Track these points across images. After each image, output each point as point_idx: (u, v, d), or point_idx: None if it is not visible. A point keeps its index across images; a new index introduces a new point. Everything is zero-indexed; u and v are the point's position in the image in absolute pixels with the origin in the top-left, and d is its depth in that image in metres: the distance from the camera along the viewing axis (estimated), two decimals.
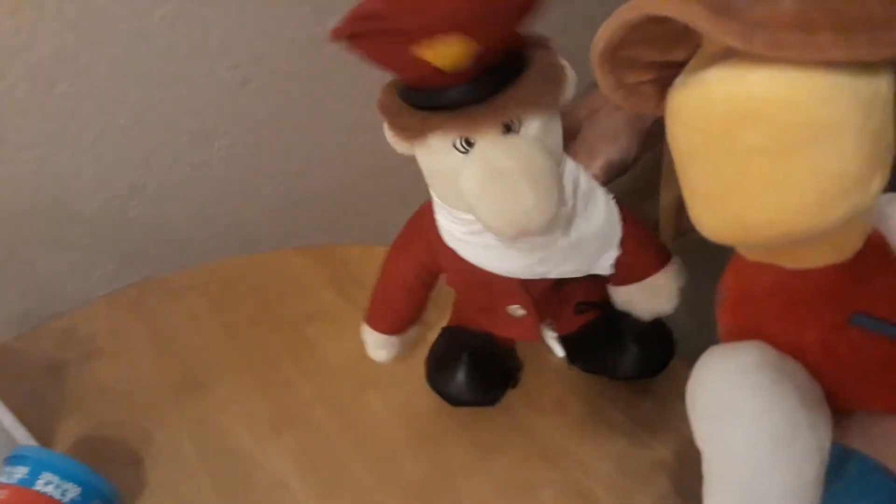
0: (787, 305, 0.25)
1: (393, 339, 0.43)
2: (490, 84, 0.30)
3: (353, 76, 0.60)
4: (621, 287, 0.39)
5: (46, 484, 0.39)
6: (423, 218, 0.38)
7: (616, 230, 0.36)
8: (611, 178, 0.39)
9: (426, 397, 0.45)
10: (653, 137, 0.43)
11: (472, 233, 0.35)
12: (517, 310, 0.40)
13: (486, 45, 0.28)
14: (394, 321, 0.42)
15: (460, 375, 0.42)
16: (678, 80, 0.23)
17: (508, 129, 0.31)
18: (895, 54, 0.19)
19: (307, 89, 0.68)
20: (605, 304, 0.41)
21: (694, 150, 0.23)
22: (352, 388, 0.49)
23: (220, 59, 0.62)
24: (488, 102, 0.30)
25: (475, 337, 0.43)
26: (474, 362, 0.42)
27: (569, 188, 0.34)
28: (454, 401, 0.43)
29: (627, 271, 0.38)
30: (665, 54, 0.24)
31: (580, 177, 0.35)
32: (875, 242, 0.24)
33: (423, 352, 0.45)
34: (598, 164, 0.39)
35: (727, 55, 0.21)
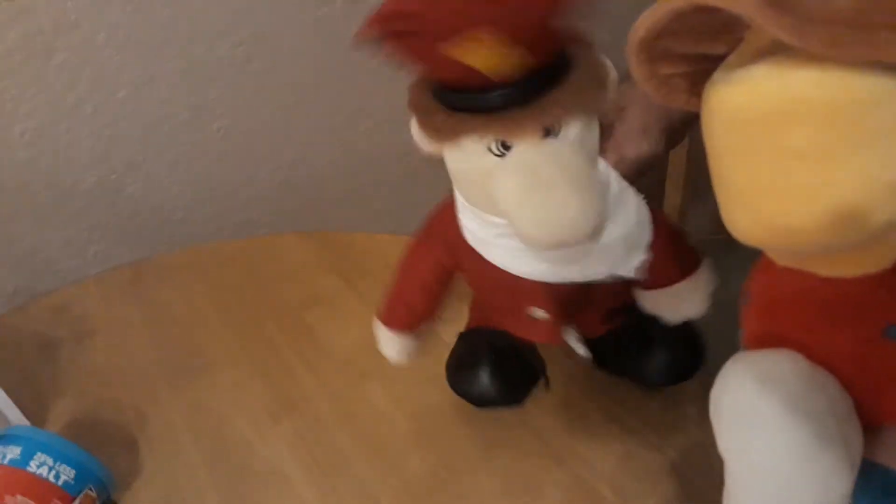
0: (819, 315, 0.24)
1: (405, 338, 0.42)
2: (532, 86, 0.28)
3: (358, 61, 0.59)
4: (649, 291, 0.38)
5: (40, 465, 0.38)
6: (444, 215, 0.37)
7: (646, 233, 0.35)
8: (638, 176, 0.38)
9: (428, 391, 0.44)
10: (677, 134, 0.42)
11: (500, 235, 0.33)
12: (539, 312, 0.38)
13: (525, 44, 0.26)
14: (408, 319, 0.41)
15: (484, 375, 0.41)
16: (717, 75, 0.22)
17: (548, 132, 0.29)
18: None
19: (310, 71, 0.66)
20: (633, 309, 0.40)
21: (732, 148, 0.22)
22: (353, 379, 0.48)
23: (223, 37, 0.60)
24: (530, 105, 0.28)
25: (497, 336, 0.42)
26: (498, 361, 0.41)
27: (606, 180, 0.33)
28: (479, 401, 0.42)
29: (656, 275, 0.36)
30: (704, 47, 0.23)
31: (611, 178, 0.33)
32: None
33: (428, 346, 0.45)
34: (627, 162, 0.38)
35: (773, 51, 0.20)
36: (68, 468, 0.38)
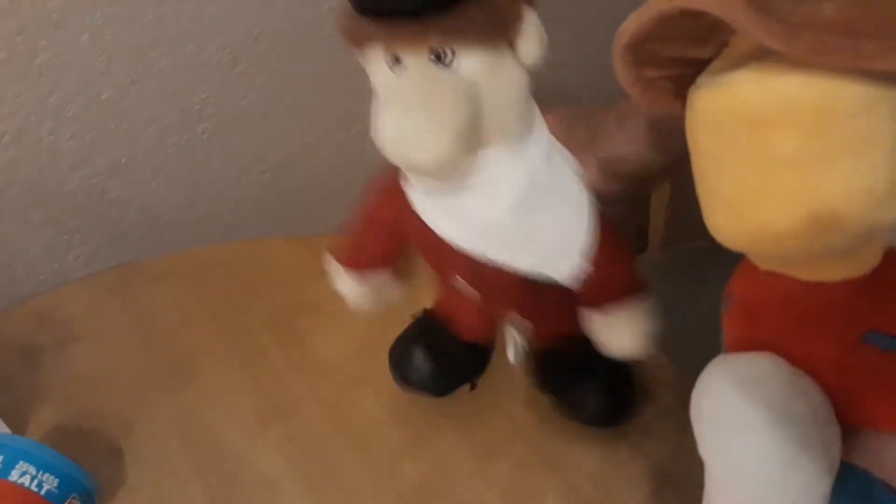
0: (800, 319, 0.24)
1: (353, 275, 0.41)
2: (423, 1, 0.27)
3: (346, 64, 0.59)
4: (585, 310, 0.36)
5: (22, 475, 0.37)
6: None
7: (582, 236, 0.32)
8: (627, 186, 0.38)
9: (420, 398, 0.44)
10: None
11: (430, 190, 0.33)
12: (461, 283, 0.37)
13: None
14: (358, 257, 0.40)
15: (418, 355, 0.42)
16: (702, 80, 0.23)
17: (438, 58, 0.29)
18: None
19: (298, 75, 0.66)
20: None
21: (717, 153, 0.22)
22: (344, 385, 0.47)
23: (210, 38, 0.60)
24: (418, 20, 0.27)
25: (440, 331, 0.42)
26: (434, 346, 0.42)
27: (536, 166, 0.31)
28: (403, 378, 0.43)
29: (590, 292, 0.34)
30: (689, 51, 0.23)
31: (558, 163, 0.32)
32: (892, 259, 0.23)
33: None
34: (613, 169, 0.38)
35: (759, 56, 0.20)
36: (52, 477, 0.38)
